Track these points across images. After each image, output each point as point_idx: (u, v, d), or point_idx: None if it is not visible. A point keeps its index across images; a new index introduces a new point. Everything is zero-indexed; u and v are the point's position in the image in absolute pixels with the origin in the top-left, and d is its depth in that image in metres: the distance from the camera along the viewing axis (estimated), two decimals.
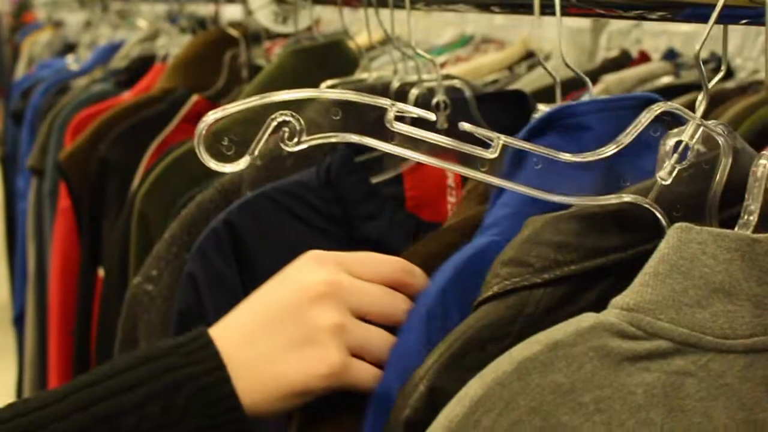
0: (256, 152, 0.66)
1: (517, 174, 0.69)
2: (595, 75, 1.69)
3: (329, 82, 1.28)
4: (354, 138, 0.67)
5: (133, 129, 1.67)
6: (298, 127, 0.67)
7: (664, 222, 0.66)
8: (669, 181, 0.66)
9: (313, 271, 0.69)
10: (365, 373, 0.68)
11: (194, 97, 1.66)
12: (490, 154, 0.67)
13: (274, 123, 0.66)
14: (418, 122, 1.05)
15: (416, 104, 1.08)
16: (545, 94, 1.68)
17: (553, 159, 0.68)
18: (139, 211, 1.38)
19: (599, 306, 0.62)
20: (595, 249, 0.66)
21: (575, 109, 0.74)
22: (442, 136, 0.67)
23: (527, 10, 0.97)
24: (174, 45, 2.05)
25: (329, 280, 0.68)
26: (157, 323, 1.14)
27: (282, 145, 0.67)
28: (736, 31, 0.69)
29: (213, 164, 0.66)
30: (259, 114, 0.66)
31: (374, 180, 1.04)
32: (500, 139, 0.67)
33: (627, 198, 0.67)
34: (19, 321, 2.58)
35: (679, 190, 0.67)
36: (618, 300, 0.60)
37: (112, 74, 2.20)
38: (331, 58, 1.37)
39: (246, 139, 0.67)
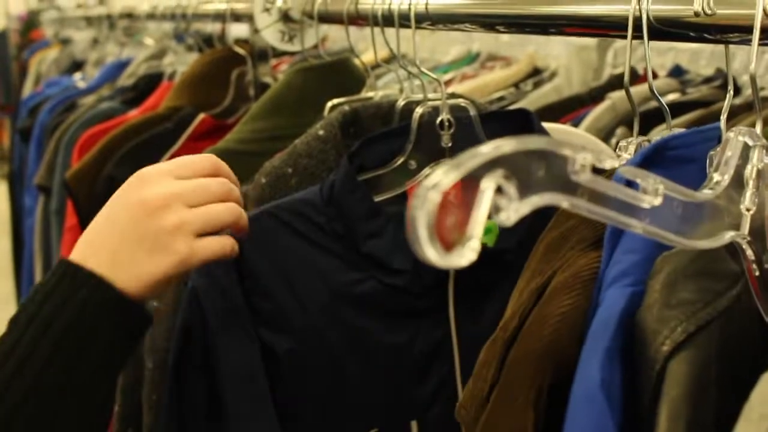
0: (479, 234, 0.49)
1: (662, 223, 0.61)
2: (602, 92, 1.69)
3: (335, 101, 1.28)
4: (558, 198, 0.54)
5: (140, 147, 1.67)
6: (511, 191, 0.51)
7: (753, 257, 0.65)
8: (754, 210, 0.64)
9: (147, 188, 0.82)
10: (214, 247, 0.85)
11: (201, 116, 1.66)
12: (652, 202, 0.59)
13: (490, 190, 0.50)
14: (427, 136, 1.06)
15: (420, 123, 1.07)
16: (551, 111, 1.68)
17: (687, 202, 0.61)
18: None
19: (745, 336, 0.61)
20: (734, 273, 0.64)
21: (682, 140, 0.70)
22: (625, 188, 0.57)
23: (533, 29, 0.97)
24: (181, 63, 2.06)
25: (160, 189, 0.82)
26: (163, 339, 1.14)
27: (500, 216, 0.51)
28: (741, 49, 0.69)
29: (441, 259, 0.49)
30: None
31: (378, 198, 1.04)
32: (659, 186, 0.59)
33: (732, 235, 0.64)
34: None
35: (756, 217, 0.65)
36: None
37: (119, 92, 2.21)
38: (337, 76, 1.37)
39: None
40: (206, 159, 0.89)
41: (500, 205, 0.50)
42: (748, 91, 1.53)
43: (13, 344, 0.77)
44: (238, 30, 2.26)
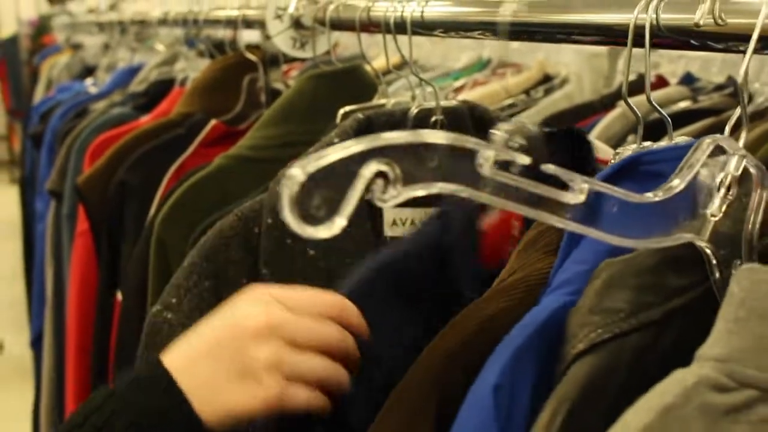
0: (348, 212, 0.55)
1: (593, 221, 0.63)
2: (613, 99, 1.69)
3: (347, 108, 1.28)
4: (450, 187, 0.57)
5: (152, 153, 1.68)
6: (393, 177, 0.56)
7: (714, 261, 0.65)
8: (719, 217, 0.64)
9: (251, 308, 0.77)
10: (302, 398, 0.76)
11: (212, 122, 1.67)
12: (575, 199, 0.61)
13: (368, 174, 0.55)
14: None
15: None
16: (562, 118, 1.68)
17: (629, 203, 0.62)
18: (157, 236, 1.38)
19: (676, 350, 0.60)
20: (674, 289, 0.64)
21: (657, 156, 0.70)
22: (534, 182, 0.60)
23: (545, 36, 0.98)
24: (192, 69, 2.07)
25: (266, 317, 0.76)
26: None
27: (376, 200, 0.56)
28: (753, 57, 0.69)
29: (300, 229, 0.54)
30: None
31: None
32: (584, 183, 0.61)
33: (687, 238, 0.64)
34: (36, 343, 2.59)
35: (725, 224, 0.65)
36: (708, 350, 0.57)
37: (130, 98, 2.22)
38: (349, 83, 1.38)
39: (337, 194, 0.55)
40: (334, 301, 0.80)
41: (377, 189, 0.55)
42: (760, 99, 1.53)
43: (87, 414, 0.75)
44: (248, 36, 2.27)
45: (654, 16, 0.73)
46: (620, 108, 1.57)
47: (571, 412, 0.59)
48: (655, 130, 1.04)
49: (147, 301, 1.40)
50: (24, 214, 3.46)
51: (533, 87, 1.94)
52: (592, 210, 0.61)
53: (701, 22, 0.68)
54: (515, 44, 2.21)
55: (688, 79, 1.75)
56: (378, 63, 2.22)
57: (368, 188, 0.55)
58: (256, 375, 0.75)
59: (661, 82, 1.74)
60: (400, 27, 1.16)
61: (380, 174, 0.55)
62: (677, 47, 0.75)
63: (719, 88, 1.70)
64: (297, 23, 1.51)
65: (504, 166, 0.58)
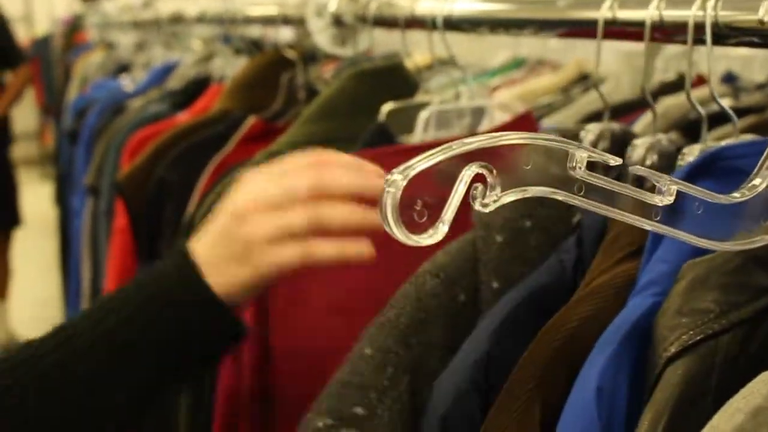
0: (450, 218, 0.55)
1: (678, 222, 0.63)
2: (653, 98, 1.67)
3: (389, 105, 1.28)
4: (546, 191, 0.57)
5: (191, 150, 1.68)
6: (491, 181, 0.56)
7: None
8: None
9: (237, 194, 0.81)
10: (283, 253, 0.79)
11: (251, 119, 1.67)
12: (664, 201, 0.61)
13: (467, 178, 0.55)
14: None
15: None
16: (600, 117, 1.67)
17: (714, 204, 0.62)
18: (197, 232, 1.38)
19: (765, 350, 0.60)
20: (762, 287, 0.63)
21: (735, 151, 0.70)
22: (625, 185, 0.60)
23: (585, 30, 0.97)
24: (229, 66, 2.07)
25: (245, 199, 0.80)
26: None
27: (475, 204, 0.56)
28: None
29: (405, 237, 0.54)
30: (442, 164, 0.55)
31: None
32: (672, 184, 0.61)
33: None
34: None
35: None
36: None
37: (167, 95, 2.22)
38: (391, 80, 1.38)
39: (440, 199, 0.55)
40: (300, 157, 0.82)
41: (479, 194, 0.55)
42: None
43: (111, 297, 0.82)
44: (282, 34, 2.28)
45: (713, 13, 0.72)
46: (661, 107, 1.56)
47: (670, 419, 0.58)
48: (693, 128, 1.04)
49: None
50: (60, 210, 3.49)
51: (571, 86, 1.94)
52: (677, 211, 0.61)
53: (766, 19, 0.68)
54: (552, 42, 2.20)
55: (729, 78, 1.74)
56: (414, 60, 2.22)
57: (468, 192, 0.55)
58: (252, 253, 0.79)
59: (701, 81, 1.72)
60: (445, 24, 1.16)
61: (479, 177, 0.55)
62: (739, 45, 0.75)
63: (762, 86, 1.68)
64: (337, 20, 1.51)
65: (592, 167, 0.58)
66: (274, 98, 1.72)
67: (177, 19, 2.71)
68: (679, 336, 0.61)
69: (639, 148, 0.85)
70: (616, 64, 1.93)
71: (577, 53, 2.05)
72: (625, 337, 0.64)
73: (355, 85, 1.38)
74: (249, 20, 2.04)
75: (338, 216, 0.78)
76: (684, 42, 0.81)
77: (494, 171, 0.56)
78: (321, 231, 0.79)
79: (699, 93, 1.68)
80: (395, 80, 1.39)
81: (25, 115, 6.86)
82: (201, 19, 2.36)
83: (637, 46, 1.93)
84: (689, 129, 1.16)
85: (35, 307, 4.97)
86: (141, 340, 0.79)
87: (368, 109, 1.36)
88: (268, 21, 1.89)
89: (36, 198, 6.44)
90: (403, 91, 1.37)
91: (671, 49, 1.88)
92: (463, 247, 0.83)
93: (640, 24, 0.85)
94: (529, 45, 2.24)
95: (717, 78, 1.73)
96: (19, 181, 4.65)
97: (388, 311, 0.80)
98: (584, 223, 0.83)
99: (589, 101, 1.86)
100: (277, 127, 1.69)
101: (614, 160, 0.60)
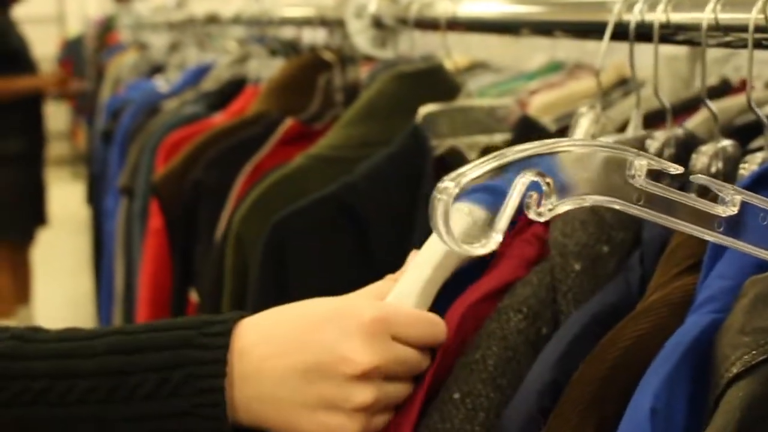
0: (504, 227, 0.53)
1: (741, 234, 0.61)
2: (693, 103, 1.65)
3: (427, 108, 1.26)
4: (603, 200, 0.56)
5: (228, 152, 1.67)
6: (547, 189, 0.54)
7: None
8: None
9: (359, 342, 0.69)
10: (379, 424, 0.71)
11: (288, 121, 1.66)
12: (727, 211, 0.59)
13: (521, 186, 0.53)
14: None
15: None
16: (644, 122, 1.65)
17: None
18: (236, 233, 1.38)
19: None
20: None
21: None
22: (686, 194, 0.59)
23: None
24: (265, 68, 2.06)
25: (376, 357, 0.68)
26: None
27: (530, 213, 0.54)
28: None
29: (456, 246, 0.52)
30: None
31: None
32: (735, 194, 0.59)
33: None
34: None
35: None
36: None
37: (202, 96, 2.22)
38: (431, 83, 1.36)
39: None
40: (444, 327, 0.74)
41: (533, 203, 0.53)
42: None
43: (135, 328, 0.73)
44: (312, 35, 2.27)
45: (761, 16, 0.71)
46: (705, 112, 1.53)
47: None
48: (743, 134, 1.01)
49: (222, 298, 1.40)
50: (93, 211, 3.50)
51: (610, 89, 1.91)
52: (741, 222, 0.60)
53: None
54: (590, 46, 2.18)
55: None
56: (447, 64, 2.20)
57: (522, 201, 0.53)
58: (344, 413, 0.69)
59: (744, 86, 1.70)
60: (487, 26, 1.15)
61: (534, 186, 0.53)
62: None
63: None
64: (377, 22, 1.50)
65: (654, 176, 0.56)
66: (311, 100, 1.71)
67: (211, 20, 2.71)
68: (740, 356, 0.58)
69: (704, 155, 0.83)
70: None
71: (616, 57, 2.03)
72: (682, 356, 0.62)
73: (394, 87, 1.36)
74: (286, 21, 2.03)
75: (402, 392, 0.73)
76: (734, 46, 0.80)
77: (550, 179, 0.54)
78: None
79: (741, 100, 1.66)
80: (435, 82, 1.37)
81: (57, 115, 6.90)
82: (237, 20, 2.36)
83: (678, 50, 1.91)
84: (734, 136, 1.14)
85: (66, 306, 5.00)
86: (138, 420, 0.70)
87: (408, 111, 1.34)
88: (305, 22, 1.88)
89: (68, 197, 6.48)
90: (444, 94, 1.36)
91: (711, 54, 1.85)
92: (541, 277, 0.78)
93: (694, 27, 0.83)
94: (566, 48, 2.22)
95: (761, 82, 1.71)
96: (49, 181, 4.65)
97: (473, 352, 0.74)
98: (645, 237, 0.79)
99: (629, 106, 1.84)
100: (314, 130, 1.68)
101: (675, 169, 0.58)
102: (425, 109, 1.26)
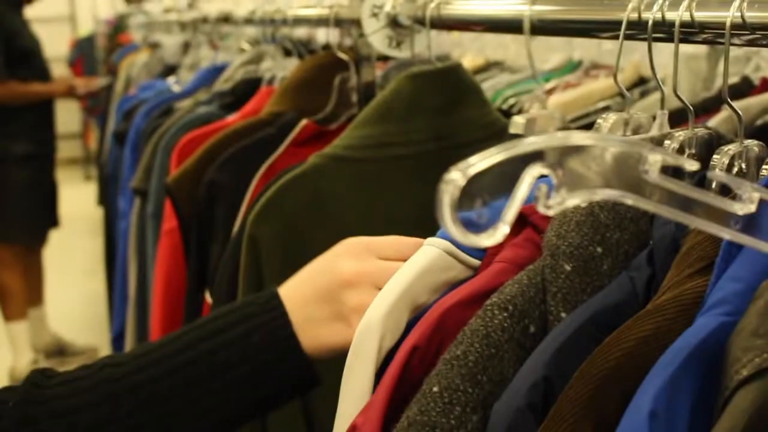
0: (511, 218, 0.52)
1: (761, 233, 0.59)
2: (713, 103, 1.63)
3: (524, 116, 1.22)
4: (614, 194, 0.54)
5: (242, 152, 1.66)
6: (557, 182, 0.53)
7: None
8: None
9: (346, 260, 0.92)
10: None
11: (303, 121, 1.65)
12: (744, 209, 0.58)
13: (530, 178, 0.52)
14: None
15: None
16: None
17: None
18: (249, 233, 1.36)
19: None
20: None
21: None
22: (701, 190, 0.57)
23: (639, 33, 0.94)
24: (279, 68, 2.05)
25: (357, 269, 0.91)
26: None
27: (540, 206, 0.53)
28: None
29: (463, 237, 0.51)
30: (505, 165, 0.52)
31: None
32: (754, 192, 0.58)
33: None
34: (117, 340, 2.59)
35: None
36: None
37: (216, 96, 2.20)
38: (449, 82, 1.34)
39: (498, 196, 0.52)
40: (418, 243, 0.89)
41: (542, 195, 0.53)
42: None
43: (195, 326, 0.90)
44: (324, 35, 2.25)
45: None
46: (726, 111, 1.51)
47: None
48: (761, 135, 1.00)
49: (237, 298, 1.39)
50: (105, 211, 3.49)
51: (628, 89, 1.89)
52: (759, 222, 0.58)
53: None
54: (607, 45, 2.16)
55: None
56: (465, 63, 2.19)
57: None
58: (346, 318, 0.90)
59: (766, 85, 1.68)
60: (510, 26, 1.13)
61: (543, 178, 0.52)
62: None
63: None
64: (393, 21, 1.48)
65: (668, 172, 0.54)
66: (326, 101, 1.69)
67: (224, 20, 2.70)
68: (752, 358, 0.56)
69: (726, 155, 0.81)
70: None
71: (634, 56, 2.01)
72: (687, 358, 0.60)
73: (411, 87, 1.35)
74: (300, 21, 2.02)
75: None
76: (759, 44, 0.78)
77: (560, 171, 0.53)
78: None
79: (762, 99, 1.64)
80: (453, 82, 1.35)
81: (68, 116, 6.90)
82: (250, 20, 2.34)
83: (696, 49, 1.89)
84: (756, 135, 1.12)
85: (78, 307, 5.00)
86: (223, 374, 0.87)
87: (425, 111, 1.33)
88: (319, 22, 1.87)
89: (79, 198, 6.49)
90: (462, 94, 1.34)
91: (731, 52, 1.83)
92: (531, 276, 0.78)
93: (719, 26, 0.82)
94: (582, 47, 2.20)
95: None
96: (60, 182, 4.64)
97: (455, 347, 0.75)
98: (656, 236, 0.77)
99: (647, 105, 1.82)
100: (330, 130, 1.66)
101: (690, 165, 0.57)
102: (521, 118, 1.22)
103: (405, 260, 0.87)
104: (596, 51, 2.18)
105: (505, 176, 0.51)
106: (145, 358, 0.87)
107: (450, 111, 1.34)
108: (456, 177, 0.49)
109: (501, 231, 0.52)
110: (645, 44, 0.92)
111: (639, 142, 0.54)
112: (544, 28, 1.09)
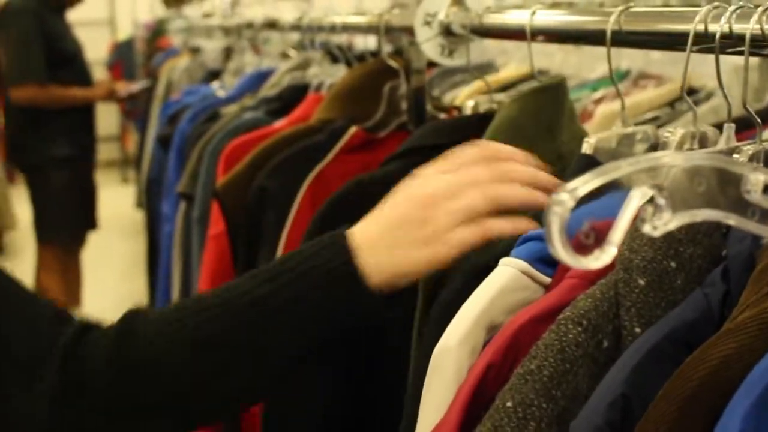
0: (619, 240, 0.52)
1: None
2: (766, 114, 1.62)
3: (598, 136, 1.19)
4: (717, 215, 0.55)
5: (292, 159, 1.67)
6: (662, 203, 0.53)
7: None
8: None
9: (417, 186, 0.89)
10: (465, 236, 0.86)
11: (353, 129, 1.65)
12: None
13: (638, 199, 0.52)
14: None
15: None
16: None
17: None
18: (309, 234, 1.36)
19: None
20: None
21: None
22: None
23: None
24: (327, 74, 2.05)
25: (427, 191, 0.87)
26: None
27: (644, 226, 0.53)
28: None
29: (572, 259, 0.51)
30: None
31: None
32: None
33: None
34: None
35: None
36: None
37: (263, 102, 2.21)
38: (557, 99, 1.31)
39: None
40: (473, 150, 0.90)
41: (648, 216, 0.53)
42: None
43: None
44: (366, 43, 2.25)
45: None
46: None
47: None
48: None
49: None
50: (147, 215, 3.51)
51: (677, 99, 1.88)
52: None
53: None
54: (655, 55, 2.15)
55: None
56: (508, 71, 2.18)
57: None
58: (438, 237, 0.86)
59: None
60: (562, 36, 1.13)
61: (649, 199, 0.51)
62: None
63: None
64: (446, 30, 1.48)
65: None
66: (375, 108, 1.69)
67: (270, 26, 2.71)
68: None
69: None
70: (725, 78, 1.87)
71: (681, 67, 2.00)
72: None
73: (531, 104, 1.29)
74: (348, 28, 2.02)
75: (517, 196, 0.86)
76: None
77: (666, 192, 0.53)
78: (497, 209, 0.87)
79: None
80: (560, 98, 1.31)
81: (107, 119, 6.95)
82: (297, 27, 2.35)
83: (750, 60, 1.87)
84: None
85: (115, 309, 5.00)
86: (292, 311, 0.87)
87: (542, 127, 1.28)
88: (368, 30, 1.87)
89: (117, 200, 6.53)
90: (567, 110, 1.31)
91: None
92: (605, 291, 0.77)
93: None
94: (630, 57, 2.19)
95: None
96: (99, 184, 4.67)
97: (529, 362, 0.75)
98: (731, 252, 0.76)
99: (698, 116, 1.80)
100: (378, 138, 1.66)
101: None
102: (593, 139, 1.20)
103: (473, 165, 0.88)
104: (643, 60, 2.16)
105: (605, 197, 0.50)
106: (226, 294, 0.89)
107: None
108: (565, 198, 0.49)
109: (608, 253, 0.52)
110: (694, 54, 0.92)
111: (739, 162, 0.53)
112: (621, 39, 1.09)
